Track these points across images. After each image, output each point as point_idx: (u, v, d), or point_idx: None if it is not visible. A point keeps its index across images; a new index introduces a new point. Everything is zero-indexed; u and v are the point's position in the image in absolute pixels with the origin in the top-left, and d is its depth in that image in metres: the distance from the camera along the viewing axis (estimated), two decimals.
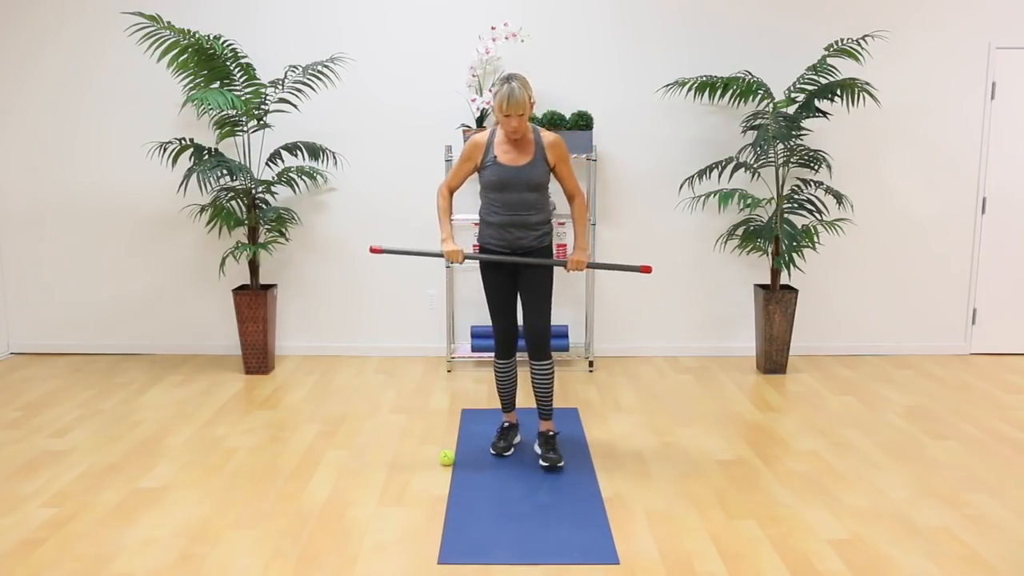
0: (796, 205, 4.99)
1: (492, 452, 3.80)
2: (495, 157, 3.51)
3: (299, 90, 5.09)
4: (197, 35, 4.57)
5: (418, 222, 5.36)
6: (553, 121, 4.96)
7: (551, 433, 3.69)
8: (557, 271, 5.38)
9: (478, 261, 3.76)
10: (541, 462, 3.61)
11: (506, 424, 3.89)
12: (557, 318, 5.45)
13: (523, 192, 3.51)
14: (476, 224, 5.31)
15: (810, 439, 4.01)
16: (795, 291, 5.06)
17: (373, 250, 3.67)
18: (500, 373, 3.81)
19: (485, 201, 3.60)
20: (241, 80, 4.83)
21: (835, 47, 4.71)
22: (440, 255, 3.65)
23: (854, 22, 5.20)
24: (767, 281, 5.45)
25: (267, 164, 5.12)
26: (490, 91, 4.95)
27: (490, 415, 4.33)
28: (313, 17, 5.19)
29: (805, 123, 5.27)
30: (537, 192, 3.54)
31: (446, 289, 5.28)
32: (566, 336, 5.25)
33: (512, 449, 3.83)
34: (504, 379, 3.81)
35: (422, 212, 5.35)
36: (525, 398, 4.65)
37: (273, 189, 5.19)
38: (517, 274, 3.65)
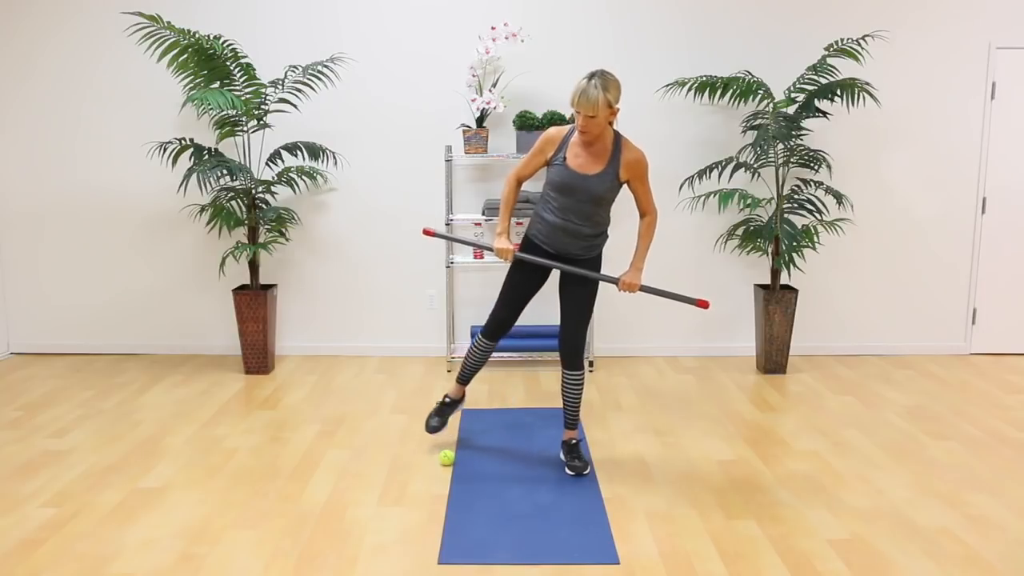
0: (796, 205, 4.99)
1: (426, 430, 3.81)
2: (564, 158, 3.37)
3: (299, 90, 5.09)
4: (197, 35, 4.57)
5: (418, 222, 5.36)
6: (553, 121, 4.96)
7: (574, 441, 3.67)
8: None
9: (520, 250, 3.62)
10: (567, 470, 3.59)
11: (447, 400, 3.86)
12: (557, 318, 5.45)
13: (583, 202, 3.37)
14: (477, 224, 5.31)
15: (810, 439, 4.01)
16: (795, 291, 5.06)
17: (426, 232, 3.64)
18: (478, 350, 3.74)
19: (545, 195, 3.49)
20: (241, 80, 4.83)
21: (835, 47, 4.71)
22: (490, 249, 3.56)
23: (854, 22, 5.20)
24: (767, 281, 5.45)
25: (267, 164, 5.12)
26: (490, 91, 4.95)
27: (490, 415, 4.33)
28: (313, 17, 5.19)
29: (805, 123, 5.27)
30: (598, 206, 3.39)
31: (446, 289, 5.28)
32: None
33: (445, 426, 3.86)
34: (478, 355, 3.76)
35: (423, 212, 5.35)
36: (531, 399, 4.65)
37: (273, 189, 5.19)
38: (560, 276, 3.56)
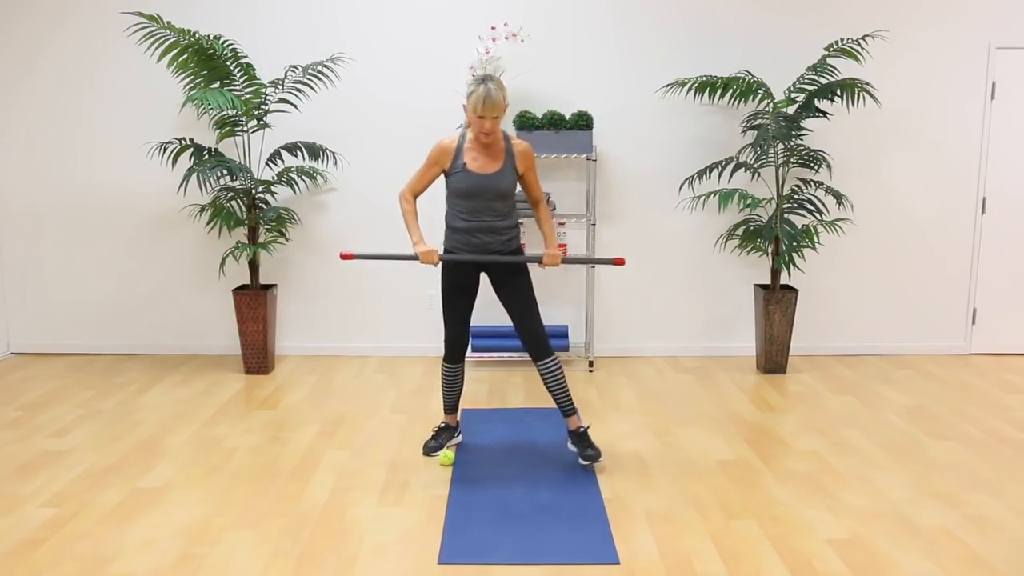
0: (796, 205, 4.99)
1: (424, 453, 3.79)
2: (464, 164, 3.47)
3: (299, 90, 5.09)
4: (197, 35, 4.57)
5: (418, 222, 5.35)
6: (553, 121, 4.96)
7: (581, 429, 3.65)
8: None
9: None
10: (581, 461, 3.60)
11: (442, 425, 3.87)
12: (557, 318, 5.45)
13: (491, 200, 3.50)
14: None
15: (810, 439, 4.01)
16: (795, 291, 5.06)
17: (344, 256, 3.64)
18: (447, 376, 3.77)
19: (451, 206, 3.57)
20: (241, 80, 4.83)
21: (835, 47, 4.71)
22: (413, 258, 3.60)
23: (854, 22, 5.20)
24: (767, 281, 5.45)
25: (267, 164, 5.12)
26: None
27: (490, 415, 4.34)
28: (313, 17, 5.19)
29: (805, 123, 5.27)
30: (504, 200, 3.53)
31: None
32: (566, 336, 5.25)
33: (442, 449, 3.81)
34: (450, 382, 3.78)
35: (423, 212, 5.34)
36: (531, 399, 4.65)
37: (273, 189, 5.19)
38: (491, 281, 3.62)
